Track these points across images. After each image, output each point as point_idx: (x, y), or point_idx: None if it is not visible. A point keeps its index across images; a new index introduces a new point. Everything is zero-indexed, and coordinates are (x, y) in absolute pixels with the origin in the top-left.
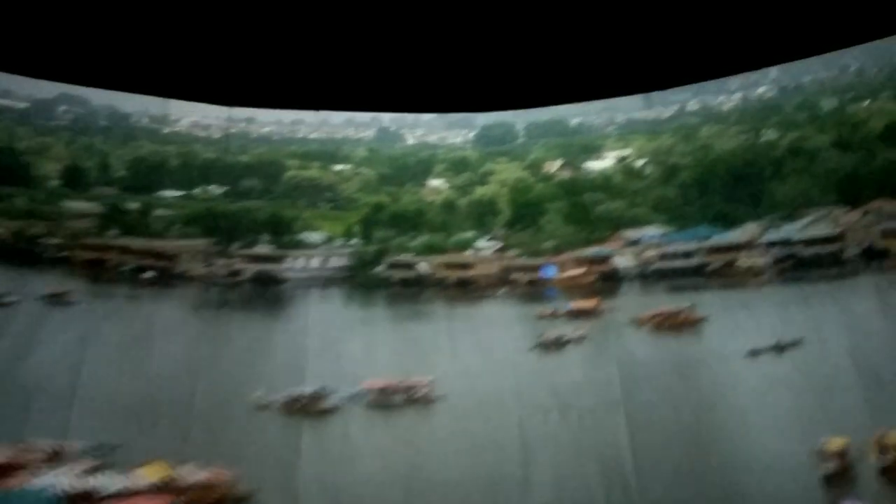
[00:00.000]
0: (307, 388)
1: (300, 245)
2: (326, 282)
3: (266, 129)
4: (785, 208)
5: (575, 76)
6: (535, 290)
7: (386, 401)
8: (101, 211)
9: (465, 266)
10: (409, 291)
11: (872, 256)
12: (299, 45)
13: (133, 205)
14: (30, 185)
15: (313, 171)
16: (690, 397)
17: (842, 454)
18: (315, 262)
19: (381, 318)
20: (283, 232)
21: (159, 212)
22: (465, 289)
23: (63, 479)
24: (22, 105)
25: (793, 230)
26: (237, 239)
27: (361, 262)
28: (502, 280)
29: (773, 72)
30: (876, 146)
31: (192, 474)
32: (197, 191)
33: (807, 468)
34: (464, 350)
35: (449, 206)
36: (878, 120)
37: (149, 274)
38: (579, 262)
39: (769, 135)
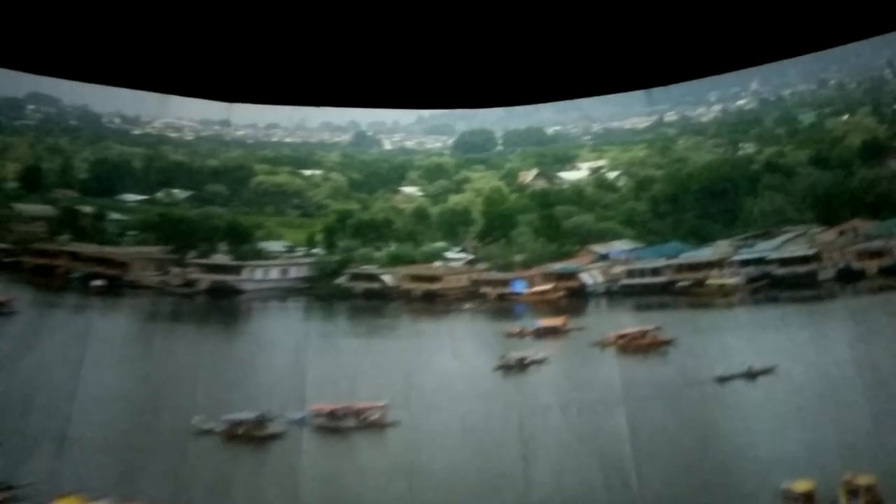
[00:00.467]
0: (249, 414)
1: (260, 254)
2: (285, 293)
3: (241, 133)
4: (760, 226)
5: (552, 76)
6: (503, 306)
7: (335, 425)
8: (54, 214)
9: (432, 278)
10: (373, 304)
11: (848, 278)
12: (278, 40)
13: (87, 209)
14: None
15: (282, 177)
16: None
17: (808, 497)
18: (274, 273)
19: (342, 333)
20: (242, 240)
21: (115, 216)
22: (432, 302)
23: None
24: None
25: (767, 249)
26: (194, 247)
27: (323, 273)
28: (471, 294)
29: (754, 84)
30: (853, 163)
31: None
32: (160, 195)
33: None
34: (424, 370)
35: (420, 214)
36: (856, 136)
37: (98, 282)
38: (547, 277)
39: (747, 148)
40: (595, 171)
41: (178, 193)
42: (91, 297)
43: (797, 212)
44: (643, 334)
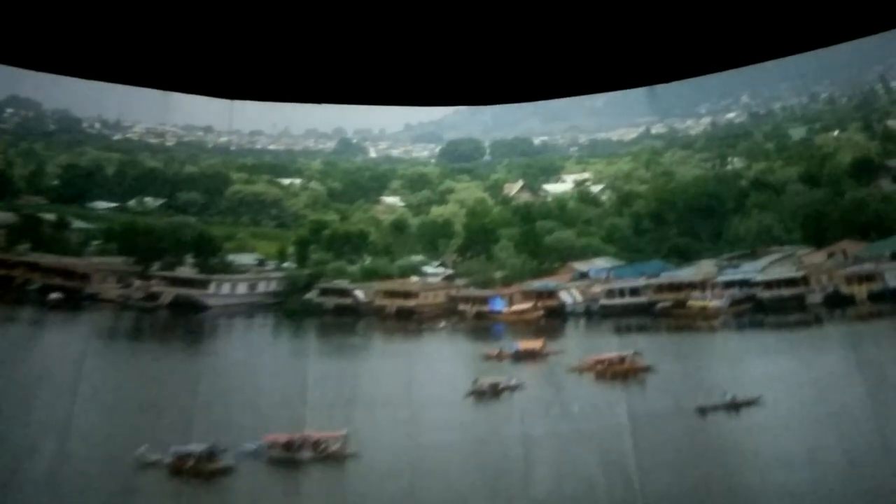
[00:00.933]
0: (198, 446)
1: (229, 268)
2: (252, 309)
3: (223, 139)
4: (746, 245)
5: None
6: (481, 325)
7: (290, 457)
8: (15, 222)
9: (407, 294)
10: (344, 321)
11: (837, 303)
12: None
13: (50, 216)
14: None
15: (259, 186)
16: (630, 457)
17: None
18: (242, 288)
19: (310, 352)
20: (211, 252)
21: (79, 224)
22: (407, 320)
23: None
24: None
25: (752, 270)
26: (159, 258)
27: (293, 288)
28: (448, 311)
29: (745, 97)
30: (844, 182)
31: None
32: (132, 202)
33: None
34: (393, 394)
35: (400, 226)
36: (847, 153)
37: (55, 295)
38: (526, 295)
39: (735, 163)
40: (579, 184)
41: (150, 201)
42: (48, 312)
43: (785, 231)
44: (621, 360)
